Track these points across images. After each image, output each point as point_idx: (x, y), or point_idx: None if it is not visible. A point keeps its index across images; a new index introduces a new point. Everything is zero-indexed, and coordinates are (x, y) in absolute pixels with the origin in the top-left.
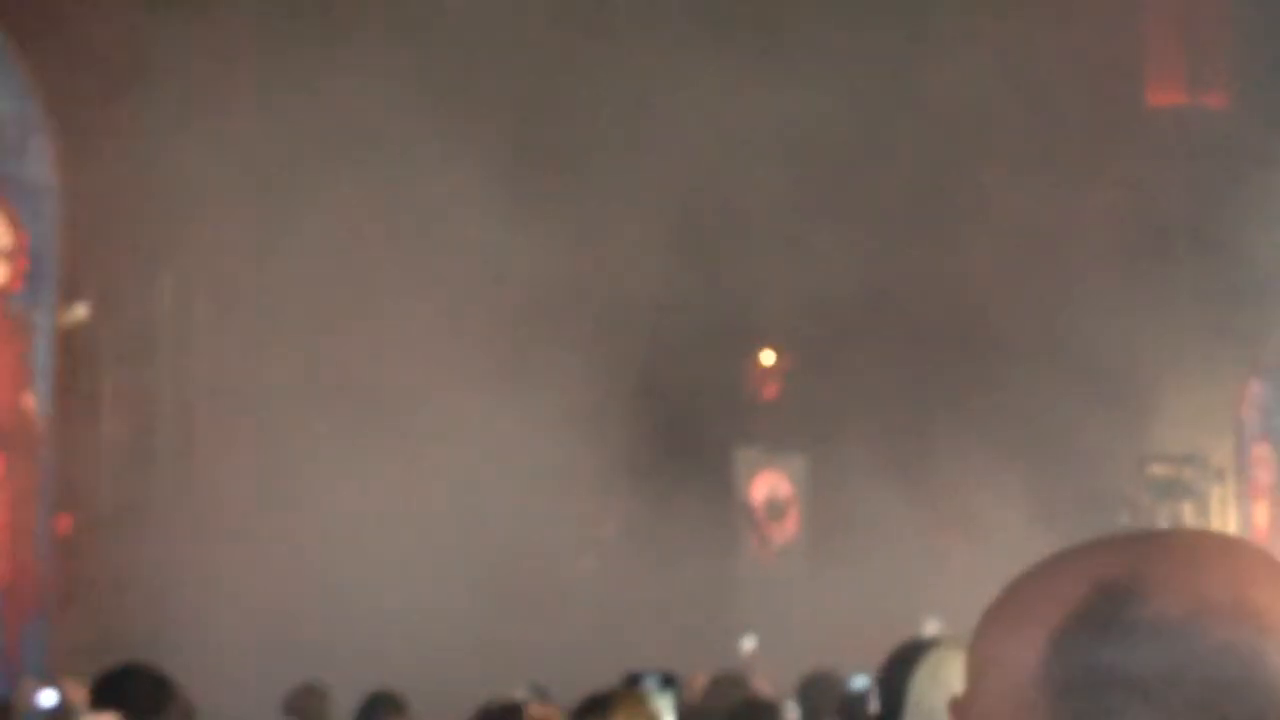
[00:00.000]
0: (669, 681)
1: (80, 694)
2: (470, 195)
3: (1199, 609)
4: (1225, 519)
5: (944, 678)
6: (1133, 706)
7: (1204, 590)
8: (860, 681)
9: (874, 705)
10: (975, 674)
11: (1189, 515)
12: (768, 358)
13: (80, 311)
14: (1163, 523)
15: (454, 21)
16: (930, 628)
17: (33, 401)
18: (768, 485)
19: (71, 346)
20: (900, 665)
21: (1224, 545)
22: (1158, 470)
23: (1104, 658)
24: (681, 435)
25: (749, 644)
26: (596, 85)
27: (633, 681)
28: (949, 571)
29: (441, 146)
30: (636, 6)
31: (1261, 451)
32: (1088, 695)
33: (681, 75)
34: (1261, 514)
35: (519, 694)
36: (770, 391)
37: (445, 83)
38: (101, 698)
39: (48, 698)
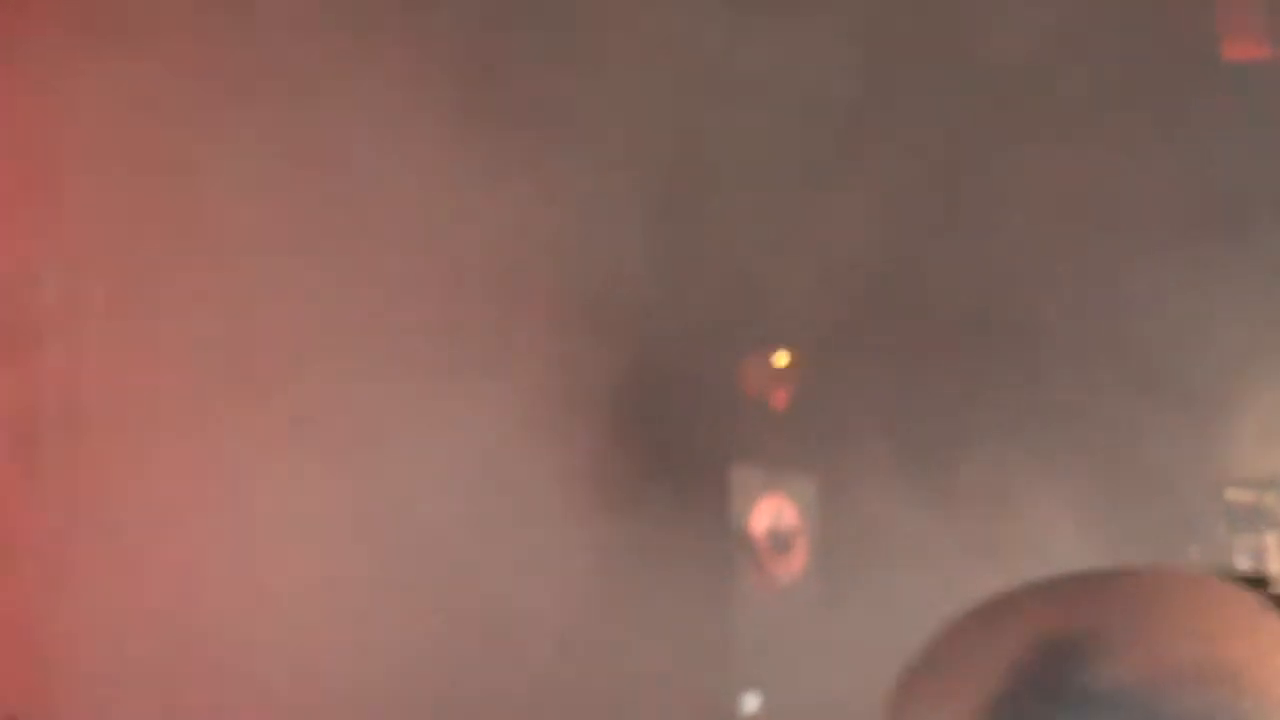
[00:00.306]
0: None
1: None
2: (417, 153)
3: (1164, 669)
4: None
5: None
6: None
7: (1169, 646)
8: None
9: None
10: None
11: (1273, 549)
12: (780, 359)
13: None
14: (1241, 558)
15: None
16: None
17: None
18: (771, 511)
19: None
20: None
21: (1193, 589)
22: (1236, 495)
23: None
24: (667, 450)
25: (750, 704)
26: (569, 24)
27: None
28: None
29: (380, 94)
30: None
31: None
32: None
33: (671, 16)
34: None
35: None
36: (774, 399)
37: (386, 16)
38: None
39: None
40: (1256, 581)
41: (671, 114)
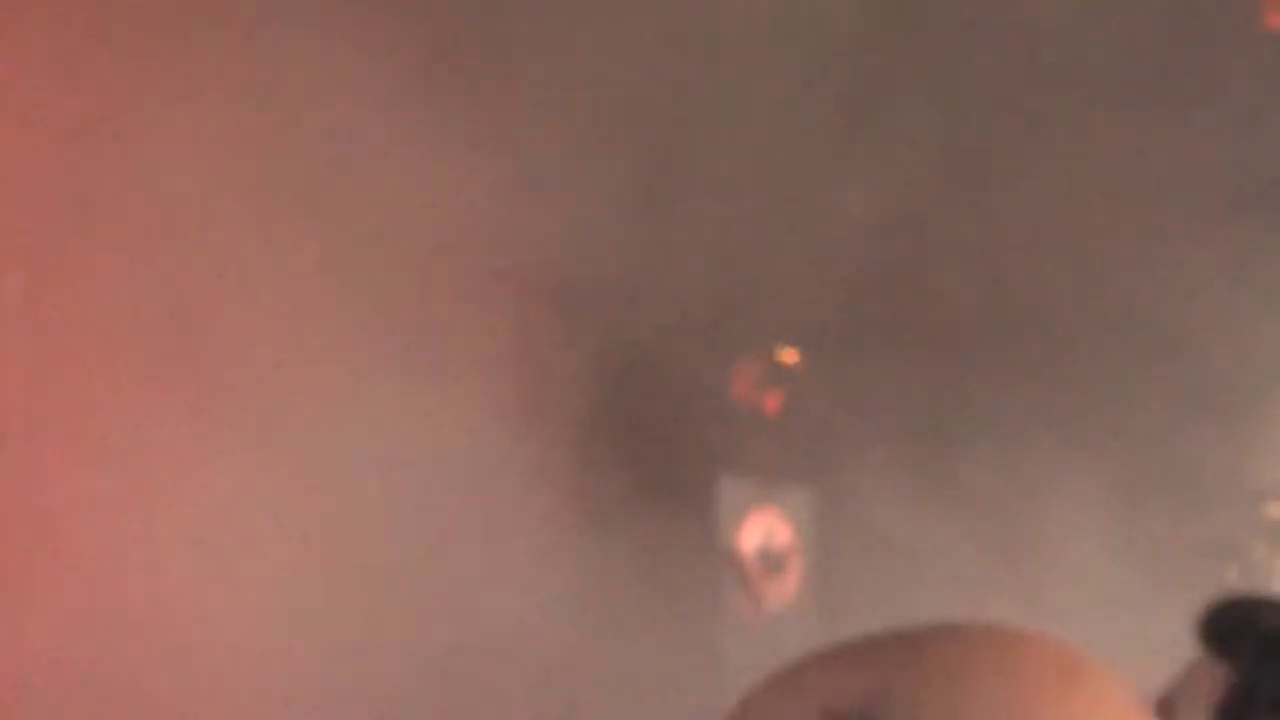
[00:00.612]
0: None
1: None
2: (375, 126)
3: None
4: None
5: None
6: None
7: (974, 715)
8: None
9: None
10: None
11: None
12: (773, 358)
13: None
14: None
15: None
16: None
17: None
18: (762, 527)
19: None
20: None
21: (1006, 650)
22: (1278, 510)
23: None
24: (647, 459)
25: None
26: None
27: None
28: None
29: (339, 61)
30: None
31: None
32: None
33: None
34: None
35: None
36: (766, 402)
37: None
38: None
39: None
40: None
41: (654, 88)
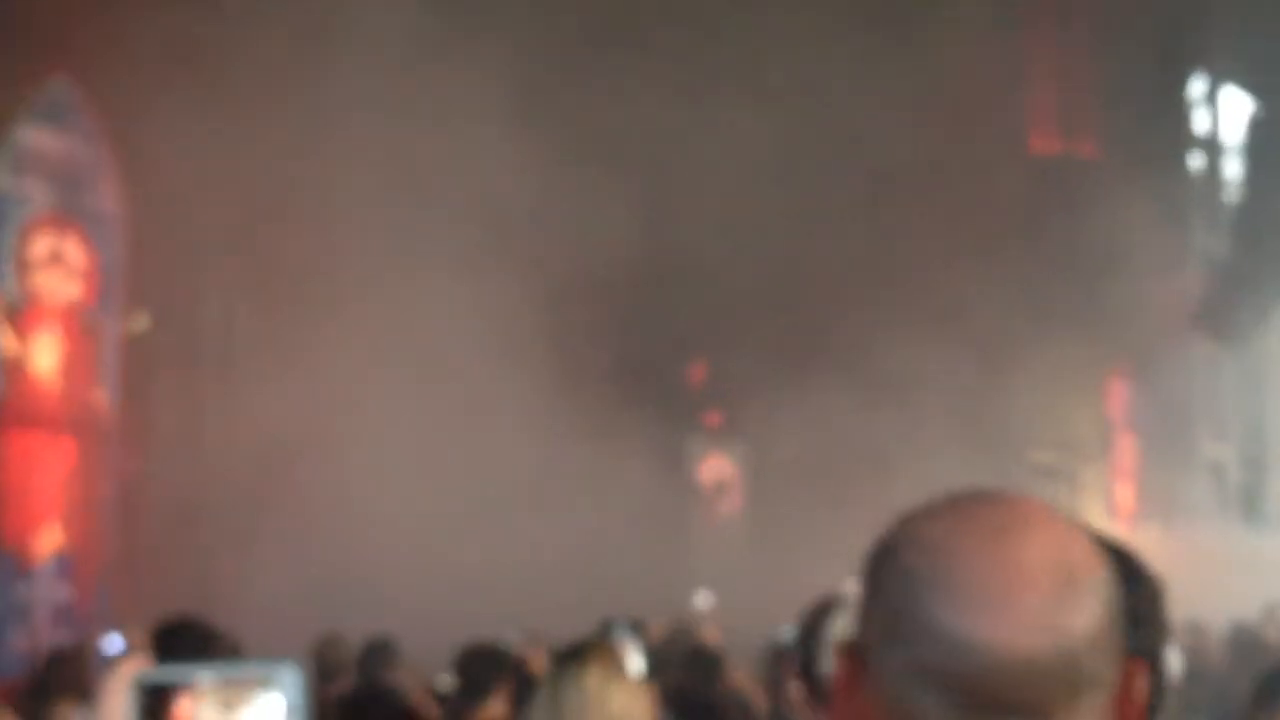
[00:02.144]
0: (636, 627)
1: (141, 640)
2: (477, 147)
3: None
4: (1095, 497)
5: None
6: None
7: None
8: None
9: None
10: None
11: (1063, 494)
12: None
13: (142, 321)
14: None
15: None
16: (848, 586)
17: (101, 396)
18: (715, 467)
19: (133, 351)
20: (818, 615)
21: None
22: (1040, 456)
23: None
24: (644, 426)
25: (702, 598)
26: None
27: (605, 626)
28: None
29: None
30: None
31: (1124, 440)
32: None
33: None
34: (1125, 493)
35: (511, 636)
36: (714, 386)
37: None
38: (157, 646)
39: (113, 643)
40: None
41: (656, 144)
